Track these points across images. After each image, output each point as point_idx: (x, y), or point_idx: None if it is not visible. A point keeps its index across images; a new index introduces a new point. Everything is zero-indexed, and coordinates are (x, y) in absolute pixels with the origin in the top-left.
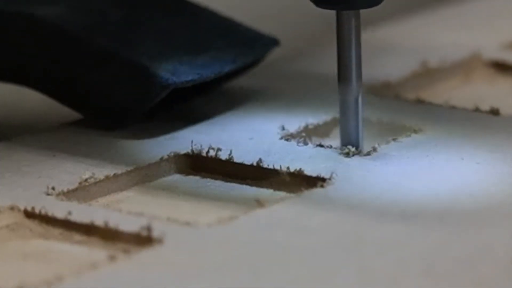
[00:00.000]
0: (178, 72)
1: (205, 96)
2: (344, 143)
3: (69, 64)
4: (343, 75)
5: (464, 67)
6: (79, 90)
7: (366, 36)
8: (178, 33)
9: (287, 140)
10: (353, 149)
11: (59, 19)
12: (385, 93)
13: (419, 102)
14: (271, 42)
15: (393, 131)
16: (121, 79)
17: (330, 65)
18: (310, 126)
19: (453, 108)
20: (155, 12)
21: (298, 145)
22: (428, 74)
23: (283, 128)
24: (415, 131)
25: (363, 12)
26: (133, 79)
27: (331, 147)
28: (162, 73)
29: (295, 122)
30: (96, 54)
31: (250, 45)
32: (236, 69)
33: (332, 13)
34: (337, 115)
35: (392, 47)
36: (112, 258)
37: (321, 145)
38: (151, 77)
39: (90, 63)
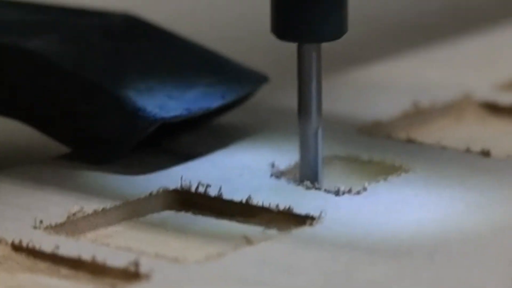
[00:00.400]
0: (166, 107)
1: (193, 132)
2: (303, 177)
3: (57, 97)
4: (303, 108)
5: (456, 107)
6: (67, 123)
7: (357, 74)
8: (167, 67)
9: (277, 177)
10: (343, 188)
11: (47, 51)
12: (376, 132)
13: (410, 141)
14: (261, 79)
15: (384, 171)
16: (108, 113)
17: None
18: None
19: (444, 148)
20: (145, 45)
21: (288, 183)
22: (419, 114)
23: (273, 165)
24: (406, 171)
25: (356, 50)
26: (120, 113)
27: (320, 189)
28: (150, 108)
29: (286, 159)
30: (84, 88)
31: (240, 81)
32: (225, 105)
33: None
34: (328, 153)
35: (383, 86)
36: None
37: (311, 184)
38: (138, 112)
39: (78, 96)
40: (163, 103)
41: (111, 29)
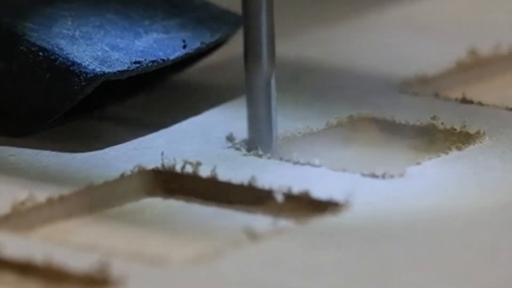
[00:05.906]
0: (109, 60)
1: (146, 92)
2: (252, 141)
3: None
4: (251, 52)
5: None
6: None
7: (396, 13)
8: (111, 8)
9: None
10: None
11: None
12: (422, 90)
13: (465, 102)
14: (236, 21)
15: (431, 141)
16: (33, 70)
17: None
18: (315, 131)
19: (511, 110)
20: None
21: (301, 160)
22: (477, 65)
23: (282, 137)
24: (458, 148)
25: None
26: (48, 70)
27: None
28: (87, 62)
29: (297, 125)
30: None
31: (208, 24)
32: (188, 55)
33: None
34: (355, 114)
35: (431, 28)
36: None
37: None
38: (72, 67)
39: None
40: (105, 54)
41: None
